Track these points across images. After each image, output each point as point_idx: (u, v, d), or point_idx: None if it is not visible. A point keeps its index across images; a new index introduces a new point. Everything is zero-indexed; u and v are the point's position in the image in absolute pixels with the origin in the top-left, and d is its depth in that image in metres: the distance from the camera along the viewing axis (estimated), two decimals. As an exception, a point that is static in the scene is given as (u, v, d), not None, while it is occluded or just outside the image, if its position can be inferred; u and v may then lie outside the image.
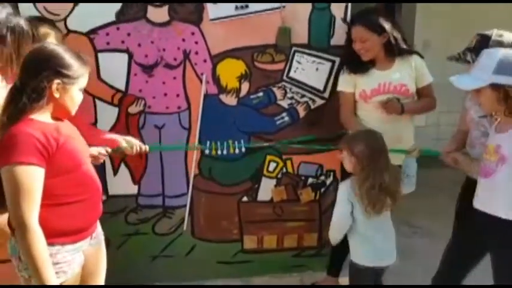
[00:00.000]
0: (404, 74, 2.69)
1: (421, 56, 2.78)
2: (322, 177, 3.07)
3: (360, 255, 2.43)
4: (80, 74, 1.83)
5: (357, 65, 2.72)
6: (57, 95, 1.77)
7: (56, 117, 1.83)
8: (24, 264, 1.78)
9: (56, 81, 1.75)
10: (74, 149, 1.82)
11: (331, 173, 3.08)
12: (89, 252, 1.97)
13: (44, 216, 1.71)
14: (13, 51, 1.96)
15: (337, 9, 2.84)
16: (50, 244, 1.74)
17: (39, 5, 2.58)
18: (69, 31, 2.63)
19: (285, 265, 3.17)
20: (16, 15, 2.05)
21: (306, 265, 3.20)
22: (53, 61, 1.76)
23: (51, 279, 1.71)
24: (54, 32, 2.42)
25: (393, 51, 2.66)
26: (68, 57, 1.79)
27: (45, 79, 1.73)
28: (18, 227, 1.68)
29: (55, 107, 1.81)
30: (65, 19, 2.62)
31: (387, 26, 2.63)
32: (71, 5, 2.61)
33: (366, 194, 2.30)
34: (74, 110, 1.88)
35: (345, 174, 2.57)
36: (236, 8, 2.76)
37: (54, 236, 1.76)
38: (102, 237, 2.10)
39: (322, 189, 3.09)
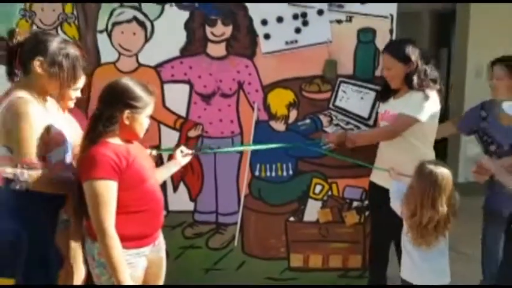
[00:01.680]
0: (405, 104, 2.76)
1: (444, 92, 2.92)
2: (367, 202, 3.21)
3: (410, 273, 2.45)
4: (147, 104, 2.14)
5: (384, 92, 2.94)
6: (127, 122, 2.10)
7: (126, 140, 2.16)
8: (96, 263, 2.09)
9: (127, 111, 2.08)
10: (140, 166, 2.13)
11: (376, 197, 3.21)
12: (151, 258, 2.24)
13: (116, 223, 2.02)
14: (70, 76, 2.18)
15: (381, 43, 3.03)
16: None
17: (115, 42, 2.99)
18: (140, 65, 3.01)
19: (329, 284, 3.31)
20: (67, 42, 2.23)
21: (350, 286, 3.32)
22: (125, 95, 2.09)
23: (126, 275, 2.02)
24: None
25: (411, 82, 2.75)
26: (138, 91, 2.11)
27: (117, 110, 2.07)
28: (98, 232, 2.01)
29: (126, 132, 2.13)
30: (136, 54, 3.01)
31: (413, 56, 2.76)
32: (142, 42, 2.99)
33: (413, 229, 2.35)
34: (141, 134, 2.20)
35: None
36: (286, 43, 3.04)
37: (123, 240, 2.05)
38: (163, 246, 2.37)
39: (367, 213, 3.22)
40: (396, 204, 2.49)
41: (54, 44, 2.14)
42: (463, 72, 5.49)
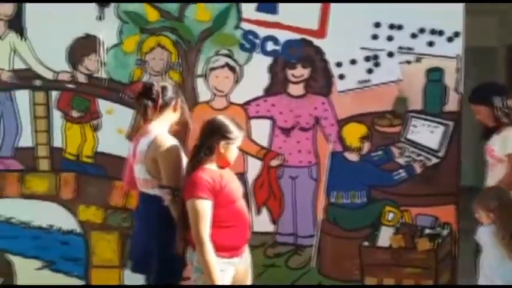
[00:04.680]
0: (499, 139, 3.04)
1: None
2: (439, 229, 3.37)
3: None
4: (237, 137, 2.60)
5: (488, 129, 3.21)
6: (222, 151, 2.56)
7: (220, 166, 2.60)
8: (194, 268, 2.53)
9: (222, 142, 2.54)
10: (231, 189, 2.56)
11: (448, 226, 3.36)
12: (239, 268, 2.62)
13: (211, 235, 2.46)
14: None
15: (449, 81, 3.27)
16: None
17: (210, 85, 3.50)
18: (230, 103, 3.50)
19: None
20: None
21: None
22: (222, 128, 2.56)
23: (217, 275, 2.43)
24: None
25: (500, 120, 3.06)
26: (231, 126, 2.58)
27: (215, 141, 2.54)
28: (197, 242, 2.45)
29: (220, 159, 2.58)
30: (227, 94, 3.50)
31: (496, 99, 3.02)
32: (232, 84, 3.48)
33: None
34: (232, 161, 2.64)
35: None
36: (359, 82, 3.37)
37: (216, 249, 2.47)
38: (249, 260, 2.73)
39: (439, 240, 3.36)
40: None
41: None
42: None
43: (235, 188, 2.62)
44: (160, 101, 2.67)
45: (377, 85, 3.35)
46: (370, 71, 3.35)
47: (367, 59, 3.34)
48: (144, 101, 2.68)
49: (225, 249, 2.51)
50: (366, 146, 3.41)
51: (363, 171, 3.40)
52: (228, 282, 2.56)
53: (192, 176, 2.50)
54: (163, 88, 2.73)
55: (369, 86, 3.36)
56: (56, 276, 3.64)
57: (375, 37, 3.34)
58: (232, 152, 2.59)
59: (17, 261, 3.72)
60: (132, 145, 2.77)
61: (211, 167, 2.55)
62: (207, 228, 2.44)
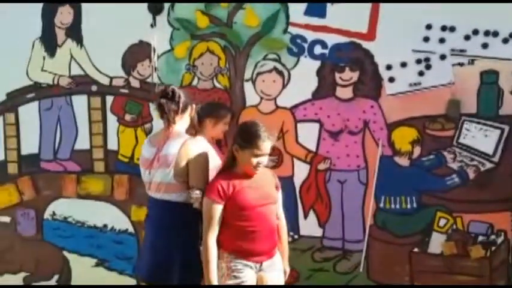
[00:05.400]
0: None
1: None
2: (493, 236, 3.25)
3: None
4: (263, 148, 2.51)
5: None
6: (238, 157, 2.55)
7: (244, 173, 2.57)
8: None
9: (235, 146, 2.55)
10: (245, 196, 2.53)
11: (502, 233, 3.24)
12: (262, 277, 2.60)
13: (225, 233, 2.53)
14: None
15: (505, 83, 3.16)
16: (226, 251, 2.54)
17: (258, 89, 3.54)
18: (277, 107, 3.52)
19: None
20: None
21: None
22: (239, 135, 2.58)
23: (213, 278, 2.50)
24: None
25: None
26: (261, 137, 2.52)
27: (233, 147, 2.56)
28: (202, 241, 2.54)
29: (242, 167, 2.56)
30: (275, 98, 3.53)
31: None
32: (280, 87, 3.50)
33: None
34: (254, 171, 2.55)
35: None
36: (410, 85, 3.32)
37: (229, 247, 2.54)
38: (277, 268, 2.67)
39: (493, 248, 3.25)
40: None
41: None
42: None
43: (253, 195, 2.56)
44: (181, 105, 2.71)
45: (428, 88, 3.28)
46: (421, 73, 3.28)
47: (418, 61, 3.28)
48: (168, 104, 2.69)
49: (238, 251, 2.55)
50: (417, 150, 3.34)
51: (414, 176, 3.33)
52: (244, 282, 2.55)
53: (213, 179, 2.61)
54: (183, 93, 2.77)
55: (420, 89, 3.30)
56: (109, 275, 3.79)
57: (426, 39, 3.27)
58: (243, 158, 2.54)
59: (72, 258, 3.89)
60: (153, 150, 2.72)
61: (236, 171, 2.57)
62: (211, 228, 2.51)
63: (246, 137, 2.54)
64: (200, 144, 2.70)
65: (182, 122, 2.76)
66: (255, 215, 2.55)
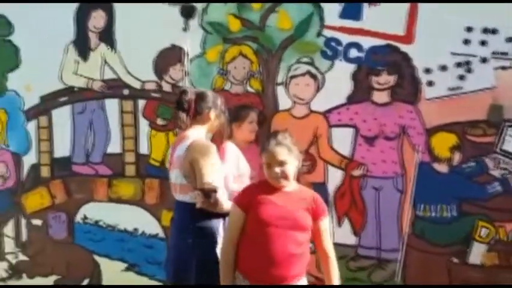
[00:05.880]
0: None
1: None
2: (538, 248, 3.11)
3: None
4: (267, 156, 2.39)
5: None
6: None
7: (273, 185, 2.40)
8: None
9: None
10: (263, 210, 2.36)
11: (549, 245, 3.09)
12: None
13: (244, 248, 2.40)
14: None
15: (552, 87, 3.01)
16: (241, 273, 2.39)
17: (291, 93, 3.47)
18: (311, 111, 3.45)
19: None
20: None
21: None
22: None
23: (223, 280, 2.42)
24: None
25: None
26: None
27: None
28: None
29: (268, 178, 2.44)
30: (308, 102, 3.46)
31: None
32: (314, 91, 3.42)
33: None
34: (276, 183, 2.37)
35: None
36: (450, 89, 3.20)
37: (243, 268, 2.38)
38: None
39: (539, 260, 3.11)
40: None
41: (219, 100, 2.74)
42: None
43: (270, 211, 2.36)
44: (192, 110, 2.65)
45: (469, 92, 3.16)
46: (461, 77, 3.17)
47: (458, 64, 3.17)
48: (179, 106, 2.66)
49: (249, 273, 2.38)
50: (457, 157, 3.22)
51: (454, 184, 3.21)
52: None
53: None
54: (200, 96, 2.68)
55: (460, 94, 3.18)
56: (140, 279, 3.76)
57: (466, 42, 3.16)
58: (264, 168, 2.44)
59: (103, 262, 3.89)
60: (171, 152, 2.74)
61: (262, 185, 2.47)
62: (229, 233, 2.44)
63: (262, 146, 2.52)
64: (205, 144, 2.61)
65: (198, 126, 2.67)
66: (268, 233, 2.34)
